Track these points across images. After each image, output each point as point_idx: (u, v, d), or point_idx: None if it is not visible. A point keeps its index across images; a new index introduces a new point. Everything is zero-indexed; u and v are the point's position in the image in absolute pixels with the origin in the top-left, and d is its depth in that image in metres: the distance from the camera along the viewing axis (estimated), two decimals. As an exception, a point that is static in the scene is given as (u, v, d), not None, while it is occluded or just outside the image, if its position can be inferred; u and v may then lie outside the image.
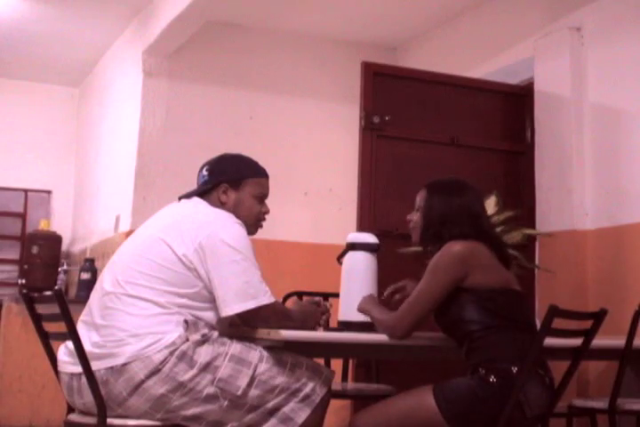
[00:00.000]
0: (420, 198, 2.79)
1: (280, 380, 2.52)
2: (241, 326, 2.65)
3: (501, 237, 2.83)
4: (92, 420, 2.47)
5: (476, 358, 2.55)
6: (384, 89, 4.30)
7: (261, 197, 2.82)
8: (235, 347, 2.52)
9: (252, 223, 2.78)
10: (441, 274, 2.58)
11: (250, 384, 2.47)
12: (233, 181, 2.77)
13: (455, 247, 2.60)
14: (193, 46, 5.32)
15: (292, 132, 5.59)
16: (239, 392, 2.46)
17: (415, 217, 2.80)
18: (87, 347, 2.45)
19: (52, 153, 6.90)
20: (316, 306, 2.82)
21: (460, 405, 2.47)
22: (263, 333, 2.53)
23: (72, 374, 2.52)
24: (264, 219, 2.85)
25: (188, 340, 2.45)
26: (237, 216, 2.69)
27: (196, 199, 2.75)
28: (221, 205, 2.74)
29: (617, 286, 4.01)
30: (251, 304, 2.51)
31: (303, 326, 2.66)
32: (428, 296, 2.59)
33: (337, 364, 3.63)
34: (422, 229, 2.75)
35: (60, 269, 6.08)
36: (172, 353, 2.42)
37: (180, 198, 2.82)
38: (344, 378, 3.77)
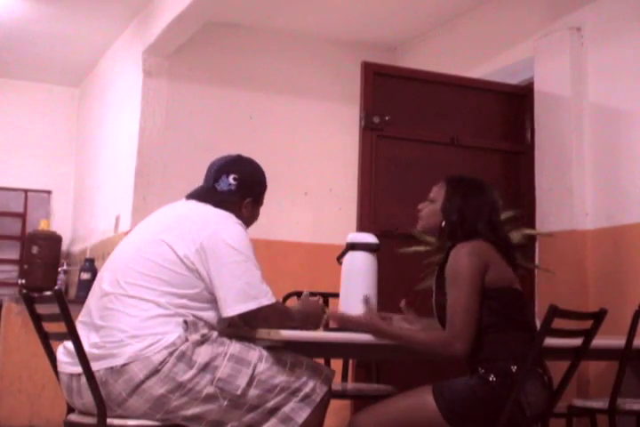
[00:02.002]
0: (437, 191, 2.76)
1: (280, 379, 2.51)
2: (241, 326, 2.65)
3: (510, 239, 2.81)
4: (91, 420, 2.47)
5: (475, 356, 2.55)
6: (384, 89, 4.30)
7: None
8: (234, 347, 2.51)
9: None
10: (467, 275, 2.53)
11: (249, 384, 2.47)
12: (257, 196, 2.81)
13: (465, 248, 2.58)
14: (193, 46, 5.32)
15: (292, 132, 5.59)
16: (239, 392, 2.46)
17: (427, 209, 2.77)
18: (86, 348, 2.44)
19: (52, 153, 6.89)
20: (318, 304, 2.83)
21: (459, 404, 2.47)
22: (263, 333, 2.53)
23: (71, 375, 2.52)
24: None
25: (187, 340, 2.45)
26: (246, 223, 2.71)
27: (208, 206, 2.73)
28: (240, 216, 2.73)
29: (617, 286, 4.01)
30: (252, 305, 2.51)
31: (304, 326, 2.66)
32: (469, 301, 2.51)
33: (337, 364, 3.62)
34: (442, 224, 2.70)
35: (60, 269, 6.07)
36: (171, 354, 2.42)
37: (190, 197, 2.78)
38: (344, 378, 3.76)
